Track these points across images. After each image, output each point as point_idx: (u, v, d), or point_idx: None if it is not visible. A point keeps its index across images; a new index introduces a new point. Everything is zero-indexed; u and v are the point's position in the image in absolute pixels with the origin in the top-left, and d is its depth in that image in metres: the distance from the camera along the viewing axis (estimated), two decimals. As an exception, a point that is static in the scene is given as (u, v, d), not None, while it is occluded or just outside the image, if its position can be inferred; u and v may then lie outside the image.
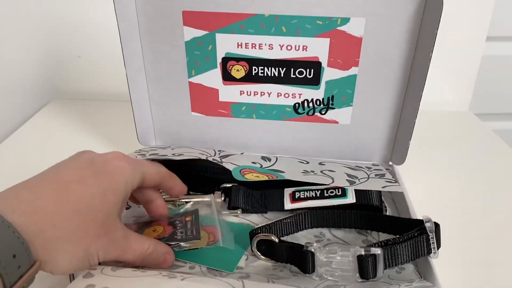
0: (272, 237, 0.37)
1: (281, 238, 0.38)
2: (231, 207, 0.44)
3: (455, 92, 0.71)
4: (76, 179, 0.30)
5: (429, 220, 0.35)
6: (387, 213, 0.42)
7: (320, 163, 0.46)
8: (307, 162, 0.46)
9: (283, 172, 0.42)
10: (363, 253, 0.33)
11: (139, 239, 0.34)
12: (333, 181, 0.41)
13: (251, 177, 0.41)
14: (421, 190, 0.46)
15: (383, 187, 0.40)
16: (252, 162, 0.45)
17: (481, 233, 0.44)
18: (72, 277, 0.35)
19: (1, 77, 0.67)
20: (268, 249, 0.37)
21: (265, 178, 0.41)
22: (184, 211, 0.42)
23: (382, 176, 0.43)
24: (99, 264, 0.31)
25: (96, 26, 0.65)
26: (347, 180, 0.42)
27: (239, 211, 0.44)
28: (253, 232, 0.38)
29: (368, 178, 0.42)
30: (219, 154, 0.47)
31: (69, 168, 0.31)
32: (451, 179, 0.53)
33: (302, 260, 0.35)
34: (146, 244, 0.34)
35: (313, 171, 0.43)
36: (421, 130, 0.48)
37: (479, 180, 0.53)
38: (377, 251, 0.33)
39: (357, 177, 0.42)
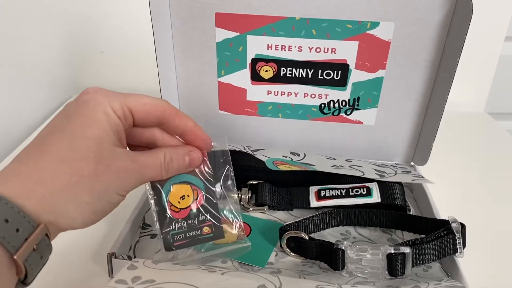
0: (302, 235, 0.38)
1: (310, 235, 0.39)
2: (258, 203, 0.45)
3: (471, 92, 0.72)
4: (50, 130, 0.28)
5: (455, 221, 0.36)
6: (411, 213, 0.44)
7: (347, 160, 0.48)
8: (334, 159, 0.47)
9: (314, 165, 0.44)
10: (392, 251, 0.35)
11: (151, 154, 0.32)
12: (363, 174, 0.43)
13: (284, 167, 0.42)
14: (443, 190, 0.48)
15: (413, 180, 0.41)
16: (283, 156, 0.46)
17: (503, 232, 0.45)
18: (110, 271, 0.37)
19: (25, 72, 0.68)
20: (297, 246, 0.39)
21: (297, 169, 0.42)
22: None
23: (408, 172, 0.44)
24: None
25: (119, 21, 0.66)
26: (376, 174, 0.43)
27: (265, 208, 0.45)
28: (283, 229, 0.39)
29: (396, 173, 0.43)
30: (248, 148, 0.48)
31: (47, 125, 0.29)
32: (471, 180, 0.54)
33: (332, 257, 0.36)
34: (160, 154, 0.32)
35: (341, 166, 0.45)
36: (439, 130, 0.49)
37: (499, 181, 0.54)
38: (406, 249, 0.34)
39: (385, 172, 0.44)
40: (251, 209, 0.45)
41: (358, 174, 0.42)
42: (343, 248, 0.36)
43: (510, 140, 0.64)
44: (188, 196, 0.36)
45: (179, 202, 0.36)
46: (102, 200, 0.28)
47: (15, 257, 0.24)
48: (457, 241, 0.36)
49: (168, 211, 0.36)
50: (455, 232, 0.36)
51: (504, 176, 0.55)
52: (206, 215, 0.37)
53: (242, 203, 0.45)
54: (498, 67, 0.70)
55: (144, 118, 0.32)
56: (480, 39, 0.67)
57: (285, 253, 0.39)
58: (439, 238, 0.36)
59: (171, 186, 0.36)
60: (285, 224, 0.40)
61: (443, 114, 0.44)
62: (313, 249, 0.38)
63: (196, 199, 0.36)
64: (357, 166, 0.45)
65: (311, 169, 0.42)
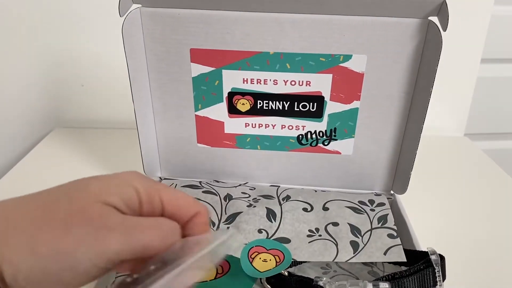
0: (282, 271, 0.37)
1: (289, 270, 0.38)
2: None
3: (451, 116, 0.73)
4: (40, 191, 0.24)
5: (434, 253, 0.36)
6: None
7: (324, 207, 0.45)
8: (311, 208, 0.45)
9: (289, 241, 0.41)
10: (371, 287, 0.34)
11: (147, 218, 0.25)
12: (336, 254, 0.40)
13: (259, 263, 0.39)
14: (422, 218, 0.48)
15: (385, 253, 0.39)
16: (242, 192, 0.46)
17: (484, 261, 0.45)
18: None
19: (5, 106, 0.67)
20: (277, 282, 0.38)
21: (273, 263, 0.39)
22: None
23: (384, 222, 0.43)
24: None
25: (99, 55, 0.66)
26: (350, 243, 0.41)
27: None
28: None
29: (371, 230, 0.42)
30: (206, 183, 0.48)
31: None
32: (452, 207, 0.54)
33: None
34: (157, 219, 0.25)
35: (317, 230, 0.42)
36: (419, 156, 0.49)
37: (478, 207, 0.54)
38: (385, 285, 0.34)
39: (360, 233, 0.42)
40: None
41: (332, 256, 0.39)
42: (322, 284, 0.35)
43: (491, 164, 0.65)
44: None
45: None
46: (63, 262, 0.21)
47: None
48: (437, 274, 0.35)
49: None
50: (434, 265, 0.35)
51: (486, 202, 0.56)
52: None
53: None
54: (475, 88, 0.71)
55: (175, 212, 0.26)
56: (457, 63, 0.68)
57: (265, 290, 0.39)
58: (418, 272, 0.35)
59: None
60: None
61: (424, 140, 0.44)
62: (293, 285, 0.37)
63: None
64: (332, 224, 0.43)
65: (286, 258, 0.39)
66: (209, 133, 0.49)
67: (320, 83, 0.44)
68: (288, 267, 0.38)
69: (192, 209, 0.27)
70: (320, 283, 0.35)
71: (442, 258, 0.36)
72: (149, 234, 0.24)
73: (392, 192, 0.50)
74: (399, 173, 0.48)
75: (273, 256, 0.40)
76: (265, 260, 0.39)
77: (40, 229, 0.21)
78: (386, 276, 0.35)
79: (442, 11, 0.38)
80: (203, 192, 0.47)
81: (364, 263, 0.42)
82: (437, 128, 0.72)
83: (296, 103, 0.45)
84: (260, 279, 0.39)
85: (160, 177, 0.52)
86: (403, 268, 0.37)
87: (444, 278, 0.36)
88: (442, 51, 0.39)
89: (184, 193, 0.28)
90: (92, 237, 0.22)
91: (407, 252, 0.40)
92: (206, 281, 0.37)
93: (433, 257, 0.36)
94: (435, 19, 0.40)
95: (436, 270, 0.35)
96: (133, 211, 0.25)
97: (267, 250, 0.41)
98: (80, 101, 0.70)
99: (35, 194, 0.24)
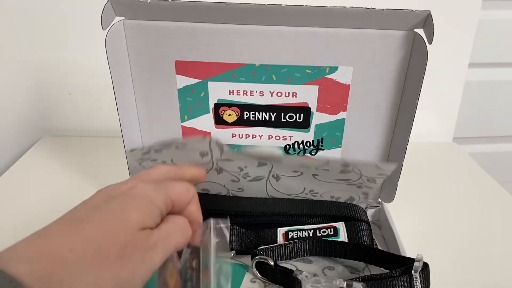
0: (269, 261, 0.40)
1: (279, 262, 0.41)
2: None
3: (439, 122, 0.73)
4: (89, 211, 0.27)
5: (419, 260, 0.36)
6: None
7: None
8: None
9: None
10: (344, 286, 0.35)
11: (170, 222, 0.31)
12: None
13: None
14: (411, 226, 0.48)
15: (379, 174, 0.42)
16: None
17: (472, 268, 0.45)
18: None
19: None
20: (264, 270, 0.41)
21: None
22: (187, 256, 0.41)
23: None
24: None
25: (87, 62, 0.65)
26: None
27: (233, 253, 0.44)
28: (254, 253, 0.42)
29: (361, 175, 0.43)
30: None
31: (82, 204, 0.29)
32: (439, 215, 0.54)
33: (291, 285, 0.38)
34: (175, 221, 0.31)
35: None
36: (407, 163, 0.49)
37: (466, 214, 0.55)
38: (359, 285, 0.35)
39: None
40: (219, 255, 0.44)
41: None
42: (299, 278, 0.37)
43: (479, 170, 0.65)
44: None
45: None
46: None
47: None
48: (414, 281, 0.36)
49: None
50: (413, 271, 0.36)
51: (474, 209, 0.56)
52: None
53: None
54: (463, 93, 0.71)
55: (180, 205, 0.32)
56: (444, 68, 0.68)
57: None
58: (396, 277, 0.36)
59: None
60: (258, 248, 0.42)
61: (412, 146, 0.44)
62: (277, 275, 0.40)
63: None
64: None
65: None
66: (196, 143, 0.48)
67: (306, 94, 0.44)
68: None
69: (189, 199, 0.33)
70: (299, 277, 0.37)
71: (425, 265, 0.37)
72: (177, 237, 0.30)
73: (379, 200, 0.50)
74: (386, 182, 0.48)
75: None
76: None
77: (100, 268, 0.25)
78: (363, 277, 0.36)
79: (428, 24, 0.38)
80: None
81: (352, 271, 0.42)
82: (426, 134, 0.72)
83: (283, 114, 0.45)
84: (251, 265, 0.41)
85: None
86: (383, 272, 0.38)
87: (428, 285, 0.36)
88: (430, 58, 0.39)
89: (181, 183, 0.33)
90: (142, 261, 0.27)
91: (394, 257, 0.40)
92: None
93: (415, 264, 0.36)
94: (421, 31, 0.39)
95: (414, 277, 0.35)
96: (159, 221, 0.30)
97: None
98: (68, 109, 0.69)
99: (77, 226, 0.26)
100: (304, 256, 0.43)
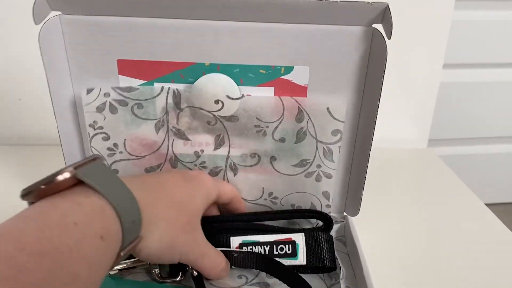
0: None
1: None
2: (172, 273, 0.39)
3: (413, 125, 0.70)
4: (171, 182, 0.35)
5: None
6: (342, 273, 0.39)
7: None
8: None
9: None
10: None
11: (218, 252, 0.37)
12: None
13: None
14: (378, 239, 0.44)
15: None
16: None
17: (445, 282, 0.41)
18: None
19: None
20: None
21: None
22: None
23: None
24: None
25: (37, 67, 0.61)
26: None
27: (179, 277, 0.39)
28: None
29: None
30: None
31: (165, 174, 0.37)
32: (409, 227, 0.51)
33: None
34: (222, 259, 0.37)
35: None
36: (375, 170, 0.46)
37: (436, 224, 0.51)
38: None
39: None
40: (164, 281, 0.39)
41: None
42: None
43: (454, 177, 0.62)
44: None
45: None
46: (170, 252, 0.33)
47: (122, 253, 0.27)
48: None
49: None
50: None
51: (446, 219, 0.53)
52: None
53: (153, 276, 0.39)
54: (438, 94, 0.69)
55: (224, 200, 0.41)
56: (418, 69, 0.65)
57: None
58: None
59: None
60: None
61: (385, 153, 0.41)
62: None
63: None
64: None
65: None
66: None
67: (261, 97, 0.40)
68: None
69: (231, 197, 0.42)
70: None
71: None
72: (211, 265, 0.36)
73: (345, 214, 0.46)
74: (351, 194, 0.44)
75: None
76: None
77: (176, 230, 0.33)
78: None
79: (386, 18, 0.35)
80: None
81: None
82: (399, 139, 0.69)
83: (237, 118, 0.42)
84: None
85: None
86: None
87: None
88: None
89: (229, 185, 0.42)
90: (185, 246, 0.34)
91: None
92: None
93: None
94: (380, 26, 0.37)
95: None
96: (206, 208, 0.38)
97: None
98: (17, 115, 0.65)
99: (173, 186, 0.35)
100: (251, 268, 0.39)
